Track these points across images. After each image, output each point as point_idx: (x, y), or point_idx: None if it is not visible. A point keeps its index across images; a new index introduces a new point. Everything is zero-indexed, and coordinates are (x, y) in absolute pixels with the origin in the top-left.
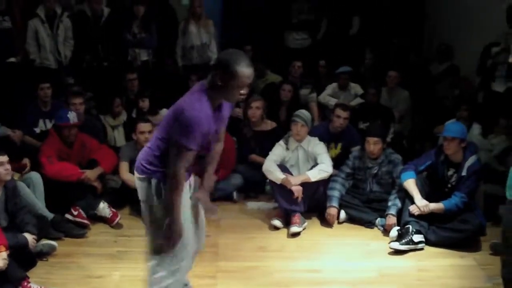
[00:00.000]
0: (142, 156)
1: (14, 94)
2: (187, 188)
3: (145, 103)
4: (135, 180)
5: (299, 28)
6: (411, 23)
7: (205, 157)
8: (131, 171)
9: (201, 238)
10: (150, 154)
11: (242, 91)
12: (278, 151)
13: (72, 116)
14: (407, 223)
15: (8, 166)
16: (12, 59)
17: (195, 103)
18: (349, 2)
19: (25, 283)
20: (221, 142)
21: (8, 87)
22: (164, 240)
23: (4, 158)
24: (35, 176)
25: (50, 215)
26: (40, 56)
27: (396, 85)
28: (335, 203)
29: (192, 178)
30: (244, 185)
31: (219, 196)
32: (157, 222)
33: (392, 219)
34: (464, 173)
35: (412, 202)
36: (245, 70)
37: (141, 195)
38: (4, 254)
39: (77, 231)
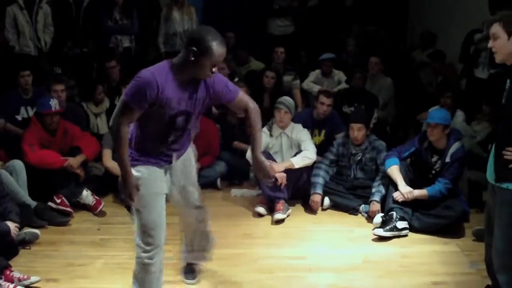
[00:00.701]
0: None
1: None
2: (163, 169)
3: None
4: None
5: (282, 14)
6: (394, 10)
7: (181, 136)
8: (114, 158)
9: (196, 217)
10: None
11: (213, 69)
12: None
13: (54, 104)
14: (391, 209)
15: None
16: None
17: (151, 68)
18: None
19: (8, 272)
20: (250, 107)
21: None
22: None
23: None
24: (18, 164)
25: (33, 203)
26: (20, 43)
27: (379, 72)
28: (319, 189)
29: (177, 159)
30: (228, 172)
31: (203, 183)
32: None
33: (376, 206)
34: (448, 159)
35: (396, 188)
36: (218, 47)
37: None
38: None
39: (60, 219)
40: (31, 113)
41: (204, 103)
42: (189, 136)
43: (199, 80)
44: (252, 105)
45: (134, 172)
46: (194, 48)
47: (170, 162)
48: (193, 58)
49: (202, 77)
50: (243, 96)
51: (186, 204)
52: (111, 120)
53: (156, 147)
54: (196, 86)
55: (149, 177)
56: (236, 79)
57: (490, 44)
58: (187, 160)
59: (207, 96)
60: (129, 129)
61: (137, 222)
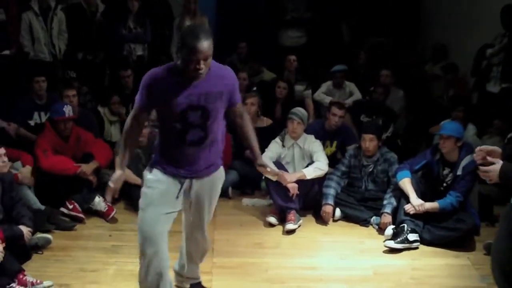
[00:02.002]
0: None
1: (8, 87)
2: (173, 182)
3: None
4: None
5: (294, 25)
6: (406, 23)
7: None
8: (127, 165)
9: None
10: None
11: (198, 66)
12: (274, 148)
13: (68, 110)
14: (402, 221)
15: (5, 158)
16: (6, 52)
17: (157, 68)
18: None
19: (21, 276)
20: (243, 115)
21: (2, 80)
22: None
23: (1, 151)
24: (20, 166)
25: (41, 207)
26: (35, 49)
27: (390, 84)
28: (330, 200)
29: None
30: (240, 181)
31: None
32: None
33: (387, 218)
34: (459, 172)
35: (408, 201)
36: (194, 42)
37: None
38: (0, 247)
39: (67, 224)
40: (44, 118)
41: (221, 99)
42: (215, 147)
43: (208, 76)
44: (247, 113)
45: (148, 174)
46: (180, 47)
47: (190, 176)
48: (181, 57)
49: (190, 73)
50: (241, 105)
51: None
52: (125, 124)
53: (176, 149)
54: (205, 81)
55: (156, 186)
56: (254, 88)
57: None
58: (210, 191)
59: (225, 92)
60: (140, 132)
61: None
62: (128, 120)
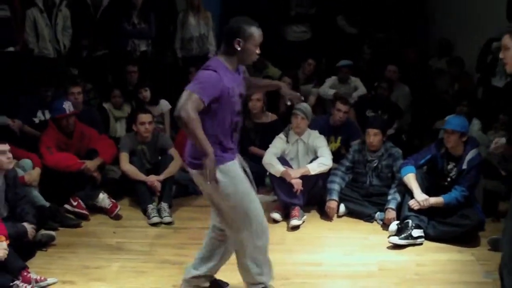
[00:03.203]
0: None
1: (13, 84)
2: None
3: (147, 93)
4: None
5: (298, 21)
6: (411, 18)
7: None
8: (131, 162)
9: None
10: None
11: (257, 51)
12: (278, 144)
13: (68, 106)
14: (407, 217)
15: (10, 155)
16: (11, 49)
17: (214, 67)
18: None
19: (25, 273)
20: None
21: (7, 77)
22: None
23: (6, 147)
24: (28, 163)
25: (46, 204)
26: (39, 46)
27: (396, 80)
28: (335, 196)
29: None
30: None
31: None
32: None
33: (391, 213)
34: (464, 166)
35: (412, 196)
36: (257, 30)
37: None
38: (4, 244)
39: (72, 221)
40: (48, 116)
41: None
42: None
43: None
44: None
45: (219, 174)
46: (239, 39)
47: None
48: (239, 48)
49: (250, 61)
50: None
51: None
52: (177, 111)
53: (229, 138)
54: (239, 70)
55: (238, 172)
56: None
57: (501, 55)
58: None
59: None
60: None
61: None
62: (189, 108)
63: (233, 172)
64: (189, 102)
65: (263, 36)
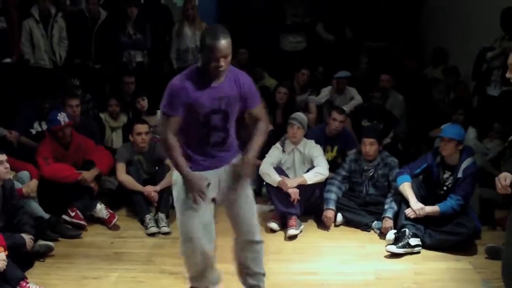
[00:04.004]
0: None
1: (10, 95)
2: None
3: (144, 102)
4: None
5: (294, 31)
6: (406, 27)
7: (212, 134)
8: (128, 172)
9: (246, 230)
10: None
11: (217, 63)
12: (274, 153)
13: (63, 117)
14: (404, 226)
15: (7, 165)
16: (8, 60)
17: (179, 75)
18: (342, 7)
19: (24, 283)
20: (263, 121)
21: (4, 87)
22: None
23: (3, 157)
24: (26, 175)
25: (45, 215)
26: (35, 57)
27: (390, 89)
28: (332, 205)
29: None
30: None
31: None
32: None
33: (388, 222)
34: (460, 175)
35: (408, 205)
36: (213, 42)
37: None
38: (3, 255)
39: (72, 232)
40: (45, 127)
41: (237, 102)
42: (234, 145)
43: (226, 80)
44: (265, 120)
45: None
46: (201, 49)
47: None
48: (203, 59)
49: (212, 75)
50: (262, 110)
51: (236, 228)
52: (159, 134)
53: (202, 149)
54: (224, 85)
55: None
56: None
57: (508, 74)
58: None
59: (238, 95)
60: (177, 138)
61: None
62: (165, 131)
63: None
64: (163, 123)
65: (228, 49)
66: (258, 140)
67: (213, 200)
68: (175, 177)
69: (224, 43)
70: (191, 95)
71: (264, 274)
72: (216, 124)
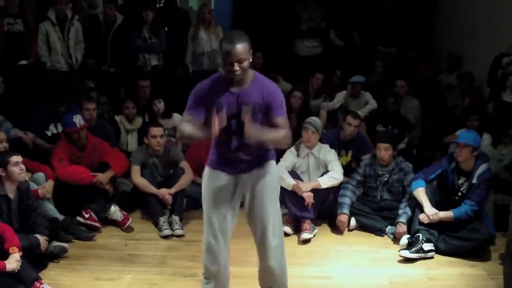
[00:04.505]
0: None
1: (26, 97)
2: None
3: (161, 105)
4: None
5: (309, 35)
6: (419, 32)
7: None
8: (142, 175)
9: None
10: None
11: (231, 68)
12: (289, 157)
13: (78, 120)
14: (417, 231)
15: (23, 166)
16: (24, 62)
17: (205, 80)
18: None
19: (38, 284)
20: (283, 128)
21: (20, 89)
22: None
23: (19, 158)
24: (42, 176)
25: (60, 216)
26: (51, 59)
27: (405, 94)
28: (346, 210)
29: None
30: None
31: None
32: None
33: (402, 227)
34: (474, 180)
35: (422, 210)
36: (228, 46)
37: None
38: (17, 256)
39: (86, 233)
40: (60, 129)
41: (258, 111)
42: (257, 152)
43: (252, 87)
44: (287, 131)
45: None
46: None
47: (243, 171)
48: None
49: (229, 76)
50: (285, 121)
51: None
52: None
53: (225, 154)
54: (247, 92)
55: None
56: None
57: None
58: (263, 181)
59: (263, 104)
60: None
61: None
62: (180, 127)
63: (207, 178)
64: (182, 119)
65: (243, 54)
66: (272, 131)
67: (241, 205)
68: (203, 175)
69: (238, 47)
70: (211, 99)
71: None
72: (235, 130)
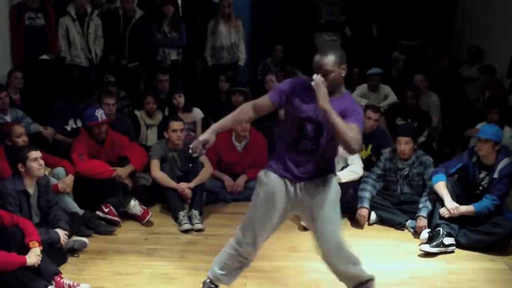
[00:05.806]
0: None
1: (45, 91)
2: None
3: (181, 99)
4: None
5: (329, 29)
6: (440, 25)
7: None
8: (162, 169)
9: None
10: None
11: (313, 76)
12: None
13: (100, 114)
14: (438, 225)
15: (42, 162)
16: (45, 56)
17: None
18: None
19: (58, 278)
20: (355, 131)
21: (40, 84)
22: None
23: (38, 154)
24: (62, 171)
25: (80, 211)
26: (71, 54)
27: (424, 89)
28: (366, 204)
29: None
30: None
31: (249, 196)
32: None
33: (422, 221)
34: (496, 175)
35: (443, 204)
36: (317, 55)
37: None
38: (38, 250)
39: (106, 228)
40: (79, 124)
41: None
42: (321, 162)
43: (336, 100)
44: (358, 136)
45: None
46: None
47: (295, 180)
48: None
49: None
50: (358, 129)
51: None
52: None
53: (290, 153)
54: (331, 100)
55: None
56: None
57: None
58: (322, 198)
59: (339, 112)
60: (251, 115)
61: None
62: (245, 104)
63: (263, 182)
64: (259, 98)
65: (328, 65)
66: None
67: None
68: (259, 174)
69: (324, 59)
70: (297, 95)
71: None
72: (308, 133)
